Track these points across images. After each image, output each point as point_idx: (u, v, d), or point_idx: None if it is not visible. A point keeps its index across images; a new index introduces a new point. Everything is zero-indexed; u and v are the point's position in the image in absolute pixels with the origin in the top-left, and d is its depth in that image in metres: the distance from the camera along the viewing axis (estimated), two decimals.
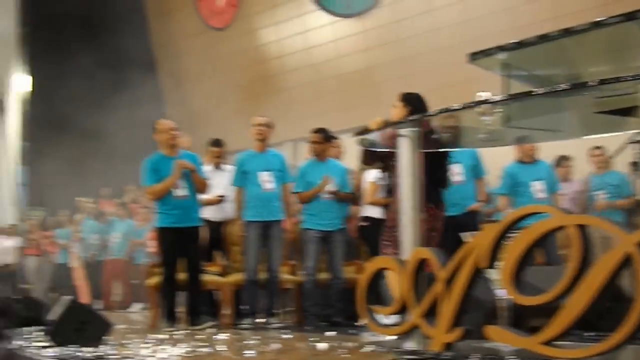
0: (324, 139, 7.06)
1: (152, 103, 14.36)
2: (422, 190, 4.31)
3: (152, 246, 10.37)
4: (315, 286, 6.90)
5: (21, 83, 15.74)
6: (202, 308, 6.86)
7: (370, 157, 5.46)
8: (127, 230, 11.74)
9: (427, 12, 12.36)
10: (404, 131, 4.31)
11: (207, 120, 14.74)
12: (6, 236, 13.65)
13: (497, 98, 3.68)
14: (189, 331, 6.12)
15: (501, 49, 3.76)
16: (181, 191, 6.58)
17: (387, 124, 4.71)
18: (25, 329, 5.96)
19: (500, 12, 11.35)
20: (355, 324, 6.33)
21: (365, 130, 5.11)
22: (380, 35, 13.07)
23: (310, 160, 7.16)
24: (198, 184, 6.67)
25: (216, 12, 15.67)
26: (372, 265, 4.45)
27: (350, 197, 7.18)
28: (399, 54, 12.65)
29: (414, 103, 5.18)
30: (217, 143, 7.64)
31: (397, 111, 5.18)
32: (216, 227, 7.35)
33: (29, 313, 6.69)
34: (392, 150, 4.60)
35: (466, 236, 5.99)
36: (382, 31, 13.06)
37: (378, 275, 4.41)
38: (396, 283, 4.26)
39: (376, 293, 4.45)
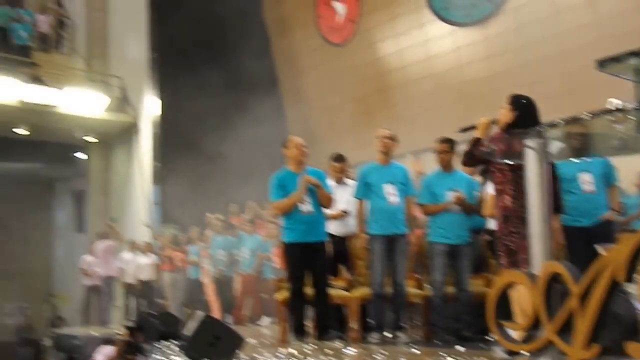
0: (450, 148, 6.93)
1: (273, 120, 14.64)
2: (550, 202, 4.19)
3: (277, 261, 10.51)
4: (443, 300, 6.79)
5: (152, 106, 16.38)
6: (330, 322, 6.88)
7: (470, 159, 5.30)
8: (254, 245, 11.92)
9: (552, 15, 11.99)
10: (530, 142, 4.20)
11: (327, 135, 14.88)
12: (142, 253, 14.17)
13: (630, 105, 3.52)
14: (317, 345, 6.15)
15: (633, 54, 3.57)
16: (307, 207, 6.64)
17: (493, 123, 4.63)
18: (162, 343, 6.14)
19: (632, 10, 10.83)
20: (485, 338, 6.18)
21: (469, 128, 5.09)
22: (503, 42, 12.82)
23: (436, 171, 7.06)
24: (323, 200, 6.71)
25: (335, 28, 15.81)
26: (501, 279, 4.35)
27: (477, 210, 7.02)
28: (523, 60, 12.36)
29: (522, 107, 5.01)
30: (339, 158, 7.64)
31: (504, 113, 5.04)
32: (340, 241, 7.35)
33: (165, 328, 6.92)
34: (497, 152, 4.57)
35: (601, 248, 5.76)
36: (504, 38, 12.80)
37: (507, 289, 4.30)
38: (521, 297, 4.18)
39: (506, 307, 4.34)
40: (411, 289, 7.07)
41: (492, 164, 5.06)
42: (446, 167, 6.94)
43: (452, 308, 6.86)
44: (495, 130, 5.13)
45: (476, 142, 5.11)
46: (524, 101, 5.02)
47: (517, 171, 4.77)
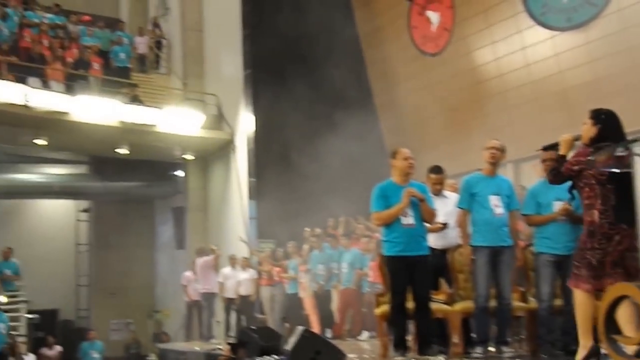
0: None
1: (367, 134, 14.53)
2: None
3: (374, 275, 10.37)
4: (550, 313, 6.51)
5: (247, 122, 16.53)
6: (432, 337, 6.69)
7: (556, 176, 5.22)
8: (353, 259, 11.82)
9: None
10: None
11: (424, 146, 14.63)
12: (241, 268, 14.27)
13: None
14: None
15: None
16: (409, 219, 6.49)
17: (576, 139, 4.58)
18: (263, 358, 6.09)
19: None
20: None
21: (553, 145, 5.16)
22: (606, 46, 12.33)
23: (541, 180, 6.79)
24: (426, 214, 6.56)
25: (429, 38, 15.61)
26: (611, 292, 4.11)
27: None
28: (629, 64, 11.85)
29: (603, 121, 4.98)
30: (437, 170, 7.46)
31: (586, 129, 5.04)
32: (440, 254, 7.17)
33: (265, 343, 6.87)
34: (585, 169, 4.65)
35: None
36: (608, 41, 12.31)
37: (618, 303, 4.07)
38: (627, 311, 3.99)
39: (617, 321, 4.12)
40: (515, 302, 6.83)
41: (580, 179, 5.01)
42: None
43: (560, 321, 6.58)
44: (579, 145, 5.14)
45: (560, 160, 5.14)
46: (604, 115, 5.02)
47: (607, 185, 4.84)
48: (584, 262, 4.91)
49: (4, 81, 14.38)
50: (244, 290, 14.05)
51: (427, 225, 6.85)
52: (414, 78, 15.94)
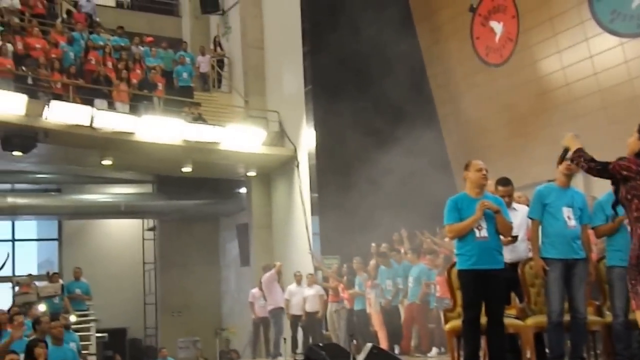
0: None
1: (431, 146, 14.37)
2: None
3: (443, 290, 10.20)
4: (627, 327, 6.26)
5: (309, 138, 16.53)
6: (504, 353, 6.49)
7: (600, 171, 5.09)
8: (419, 274, 11.65)
9: None
10: None
11: (488, 158, 14.31)
12: (307, 285, 14.23)
13: None
14: None
15: None
16: (483, 232, 6.32)
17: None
18: None
19: None
20: None
21: (565, 152, 5.38)
22: None
23: (609, 191, 6.58)
24: (502, 227, 6.38)
25: (493, 48, 15.39)
26: None
27: None
28: None
29: None
30: (505, 182, 7.27)
31: (632, 142, 5.08)
32: (511, 268, 6.97)
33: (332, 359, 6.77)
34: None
35: None
36: None
37: None
38: None
39: None
40: (591, 316, 6.60)
41: (629, 191, 4.90)
42: None
43: (637, 335, 6.34)
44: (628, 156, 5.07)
45: (583, 153, 5.13)
46: None
47: None
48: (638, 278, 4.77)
49: (72, 103, 14.64)
50: (310, 307, 13.99)
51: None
52: (477, 89, 15.73)
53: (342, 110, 15.33)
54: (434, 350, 11.10)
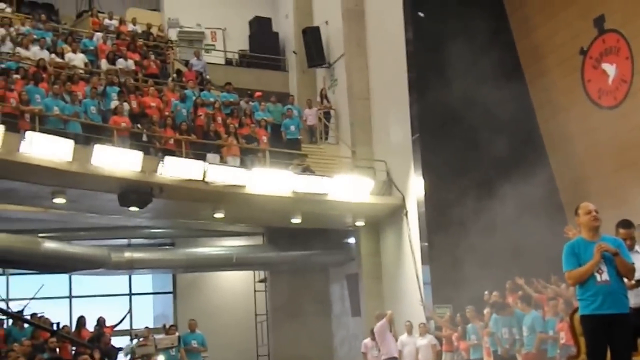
0: None
1: (543, 192, 14.04)
2: None
3: (567, 337, 9.86)
4: None
5: (417, 186, 16.43)
6: None
7: None
8: (533, 322, 11.33)
9: None
10: None
11: (605, 203, 13.90)
12: (419, 335, 14.04)
13: None
14: None
15: None
16: (604, 276, 6.08)
17: None
18: None
19: None
20: None
21: None
22: None
23: None
24: (622, 268, 6.13)
25: (606, 91, 15.03)
26: None
27: None
28: None
29: None
30: (626, 224, 7.01)
31: None
32: (636, 313, 6.65)
33: None
34: None
35: None
36: None
37: None
38: None
39: None
40: None
41: None
42: None
43: None
44: None
45: None
46: None
47: None
48: None
49: (184, 159, 15.07)
50: (423, 357, 13.79)
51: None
52: (590, 133, 15.32)
53: (450, 157, 15.23)
54: None
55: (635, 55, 14.26)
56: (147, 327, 16.29)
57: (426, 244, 16.17)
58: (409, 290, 16.69)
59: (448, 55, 15.57)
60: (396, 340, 14.31)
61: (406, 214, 16.93)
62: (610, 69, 14.88)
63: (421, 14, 17.03)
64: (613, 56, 14.83)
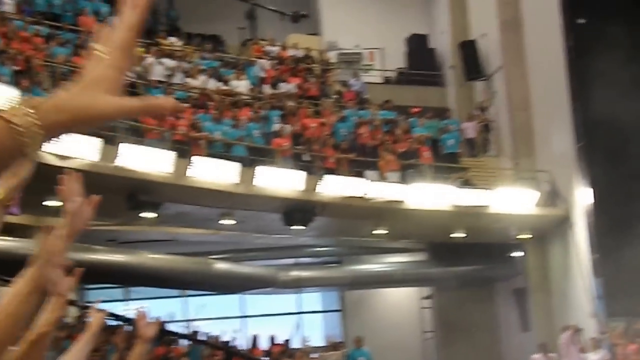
0: None
1: None
2: None
3: None
4: None
5: (584, 196, 15.90)
6: None
7: None
8: None
9: None
10: None
11: None
12: (591, 350, 13.57)
13: None
14: None
15: None
16: None
17: None
18: None
19: None
20: None
21: None
22: None
23: None
24: None
25: None
26: None
27: None
28: None
29: None
30: None
31: None
32: None
33: None
34: None
35: None
36: None
37: None
38: None
39: None
40: None
41: None
42: None
43: None
44: None
45: None
46: None
47: None
48: None
49: (345, 177, 15.37)
50: None
51: None
52: None
53: (617, 165, 14.65)
54: None
55: None
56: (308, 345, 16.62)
57: (598, 255, 15.59)
58: (580, 303, 16.14)
59: (610, 61, 15.04)
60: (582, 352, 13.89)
61: (572, 225, 16.39)
62: None
63: (581, 20, 16.57)
64: None
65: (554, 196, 16.92)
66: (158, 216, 13.88)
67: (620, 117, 14.78)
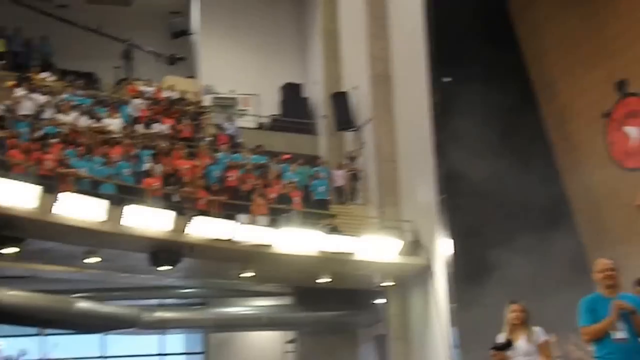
0: None
1: (570, 252, 14.08)
2: None
3: None
4: None
5: (444, 247, 16.53)
6: None
7: None
8: None
9: None
10: None
11: (631, 263, 13.91)
12: None
13: None
14: None
15: None
16: (621, 334, 6.11)
17: None
18: None
19: None
20: None
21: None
22: None
23: None
24: (639, 328, 6.18)
25: (630, 153, 15.16)
26: None
27: None
28: None
29: None
30: None
31: None
32: None
33: None
34: None
35: None
36: None
37: None
38: None
39: None
40: None
41: None
42: None
43: None
44: None
45: None
46: None
47: None
48: None
49: (215, 218, 15.40)
50: None
51: None
52: (617, 194, 15.41)
53: (475, 218, 15.38)
54: None
55: None
56: None
57: (455, 305, 16.16)
58: (437, 352, 16.64)
59: (469, 120, 15.89)
60: None
61: (432, 275, 16.98)
62: (632, 131, 15.07)
63: (447, 79, 17.38)
64: (635, 119, 15.03)
65: (417, 246, 17.48)
66: (20, 251, 13.43)
67: (477, 173, 15.56)
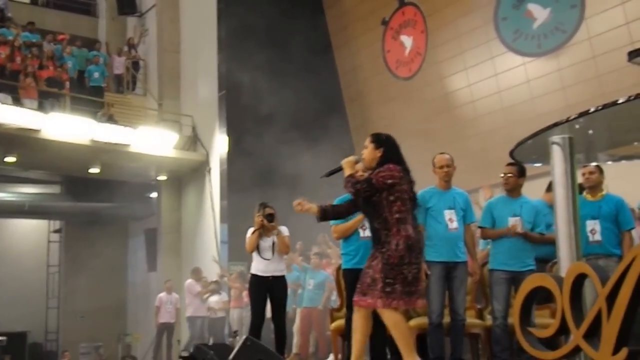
0: (518, 172, 6.66)
1: (342, 154, 14.45)
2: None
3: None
4: (505, 331, 6.43)
5: (221, 144, 16.46)
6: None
7: (357, 195, 5.37)
8: (321, 279, 11.74)
9: (630, 44, 11.48)
10: (555, 138, 4.41)
11: None
12: (212, 292, 14.26)
13: None
14: None
15: None
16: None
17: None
18: None
19: None
20: None
21: (336, 170, 5.56)
22: (577, 73, 12.41)
23: (501, 195, 6.82)
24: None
25: (403, 62, 15.65)
26: (528, 284, 4.09)
27: (543, 238, 6.63)
28: (600, 91, 11.88)
29: (384, 144, 5.40)
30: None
31: (368, 152, 5.43)
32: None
33: (219, 357, 6.76)
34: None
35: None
36: (579, 68, 12.40)
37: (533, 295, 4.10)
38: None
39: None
40: (471, 319, 6.75)
41: (392, 193, 5.15)
42: (511, 192, 6.70)
43: (515, 339, 6.50)
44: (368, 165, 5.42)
45: (351, 178, 5.32)
46: (384, 137, 5.47)
47: (414, 202, 5.32)
48: (400, 278, 5.03)
49: None
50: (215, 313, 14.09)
51: None
52: (388, 102, 15.96)
53: (255, 116, 15.38)
54: (332, 356, 11.15)
55: (430, 30, 14.93)
56: None
57: (226, 202, 16.24)
58: (207, 247, 16.74)
59: (260, 16, 15.72)
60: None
61: (209, 171, 16.90)
62: (407, 40, 15.52)
63: None
64: (410, 29, 15.45)
65: (195, 141, 17.29)
66: None
67: (264, 70, 15.50)
